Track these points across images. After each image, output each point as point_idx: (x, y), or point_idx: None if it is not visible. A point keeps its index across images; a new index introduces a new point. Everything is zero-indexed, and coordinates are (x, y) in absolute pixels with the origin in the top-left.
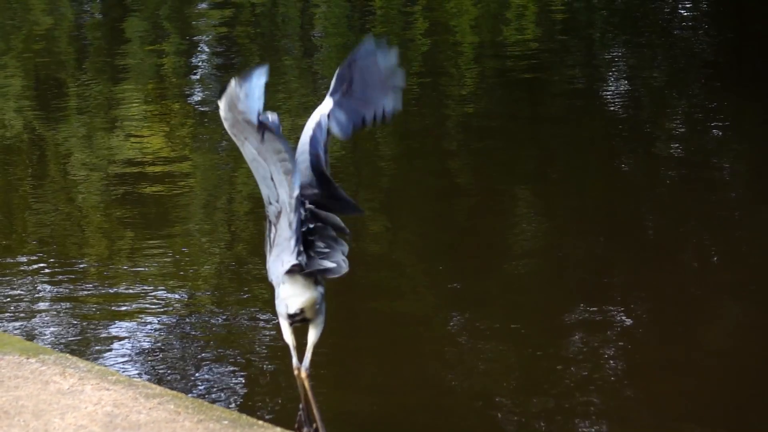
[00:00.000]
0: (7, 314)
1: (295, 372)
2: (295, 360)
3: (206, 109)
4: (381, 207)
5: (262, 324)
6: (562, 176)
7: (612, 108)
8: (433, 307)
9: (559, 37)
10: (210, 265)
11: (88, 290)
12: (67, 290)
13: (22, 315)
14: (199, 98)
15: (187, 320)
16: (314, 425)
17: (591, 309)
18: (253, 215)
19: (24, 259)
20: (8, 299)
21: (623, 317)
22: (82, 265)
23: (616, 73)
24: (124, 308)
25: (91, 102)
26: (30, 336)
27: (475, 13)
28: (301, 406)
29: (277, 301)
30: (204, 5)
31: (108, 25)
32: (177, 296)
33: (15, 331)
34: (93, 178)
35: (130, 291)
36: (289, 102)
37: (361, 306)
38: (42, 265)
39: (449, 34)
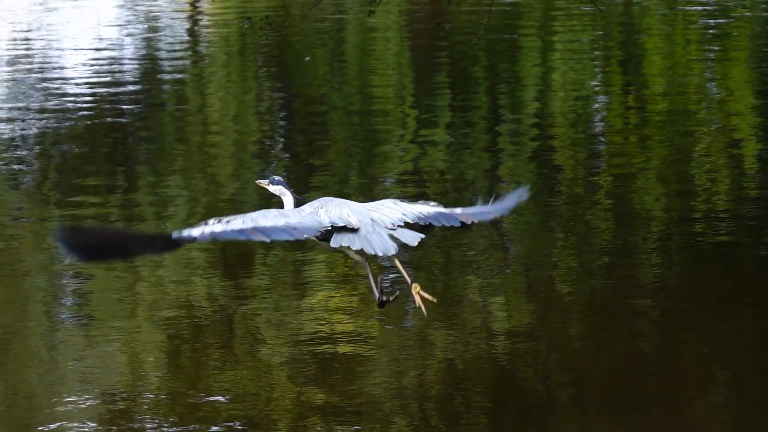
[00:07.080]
0: None
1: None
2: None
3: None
4: (568, 385)
5: None
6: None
7: None
8: None
9: (752, 212)
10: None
11: None
12: None
13: None
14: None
15: None
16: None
17: None
18: (442, 385)
19: (216, 428)
20: None
21: None
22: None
23: None
24: None
25: (279, 277)
26: None
27: (659, 188)
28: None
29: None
30: (390, 180)
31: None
32: None
33: None
34: (281, 342)
35: None
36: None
37: None
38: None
39: (634, 205)
